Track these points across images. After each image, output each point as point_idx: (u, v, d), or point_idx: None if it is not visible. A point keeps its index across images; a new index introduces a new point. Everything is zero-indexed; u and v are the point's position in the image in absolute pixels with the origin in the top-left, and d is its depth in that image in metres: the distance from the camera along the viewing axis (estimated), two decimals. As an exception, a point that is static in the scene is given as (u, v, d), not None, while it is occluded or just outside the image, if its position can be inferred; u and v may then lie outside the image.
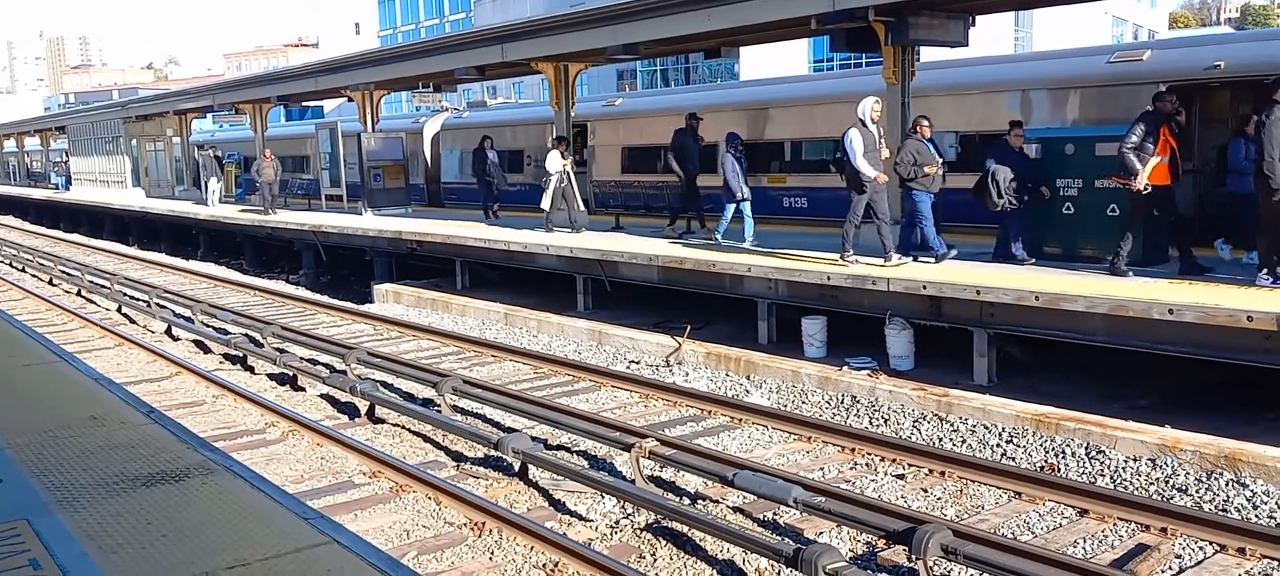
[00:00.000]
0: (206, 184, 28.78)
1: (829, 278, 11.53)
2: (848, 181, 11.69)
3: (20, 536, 4.53)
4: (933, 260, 11.55)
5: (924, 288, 10.63)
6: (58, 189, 43.65)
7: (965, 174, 13.88)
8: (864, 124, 11.48)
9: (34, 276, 24.16)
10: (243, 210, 26.21)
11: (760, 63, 40.62)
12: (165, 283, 21.59)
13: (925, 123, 11.78)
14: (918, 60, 13.70)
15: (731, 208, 14.17)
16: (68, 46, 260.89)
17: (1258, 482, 7.62)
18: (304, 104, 33.91)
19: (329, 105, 45.77)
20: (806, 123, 18.39)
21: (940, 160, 11.80)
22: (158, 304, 17.62)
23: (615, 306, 15.34)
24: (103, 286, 20.28)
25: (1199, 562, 6.49)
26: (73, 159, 45.64)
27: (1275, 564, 6.34)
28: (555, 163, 16.92)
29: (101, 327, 16.01)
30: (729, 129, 19.47)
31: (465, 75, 20.81)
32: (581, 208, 17.52)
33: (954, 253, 11.63)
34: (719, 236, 14.27)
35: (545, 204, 17.09)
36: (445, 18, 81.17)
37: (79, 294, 20.71)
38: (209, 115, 36.00)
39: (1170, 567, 6.49)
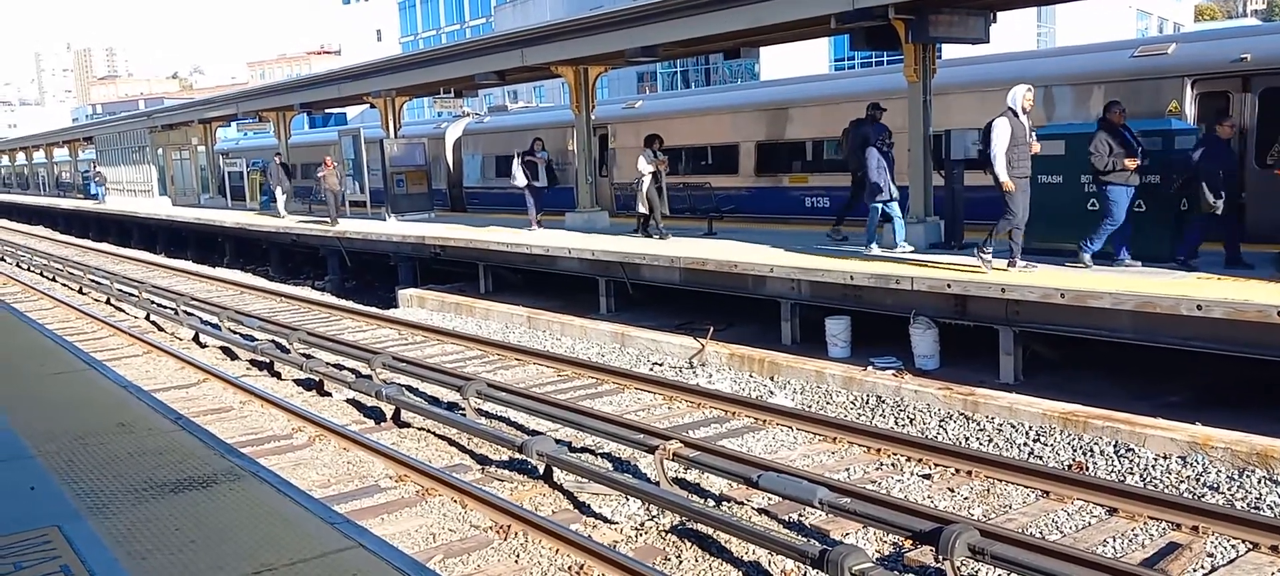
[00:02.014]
0: (274, 193, 27.42)
1: (852, 277, 11.47)
2: (995, 178, 10.58)
3: (51, 543, 4.59)
4: (1120, 267, 10.37)
5: (949, 286, 10.57)
6: (98, 199, 43.30)
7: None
8: (1015, 114, 10.38)
9: (64, 285, 24.45)
10: (302, 220, 25.65)
11: (781, 63, 40.51)
12: (192, 290, 21.79)
13: (1119, 109, 10.53)
14: (939, 57, 13.61)
15: (877, 209, 12.80)
16: (95, 57, 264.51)
17: (1291, 479, 7.51)
18: (327, 111, 34.08)
19: (351, 112, 46.06)
20: (828, 122, 18.31)
21: (1139, 148, 10.42)
22: (185, 311, 17.79)
23: (638, 308, 15.34)
24: (131, 294, 20.50)
25: (1231, 561, 6.41)
26: (100, 169, 46.16)
27: (1309, 562, 6.25)
28: (647, 163, 15.99)
29: (130, 335, 16.18)
30: (750, 128, 19.57)
31: (486, 80, 20.89)
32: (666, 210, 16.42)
33: (1139, 264, 10.45)
34: (874, 245, 12.77)
35: (641, 208, 16.21)
36: (466, 23, 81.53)
37: (108, 302, 20.95)
38: (233, 123, 36.33)
39: (1202, 566, 6.41)
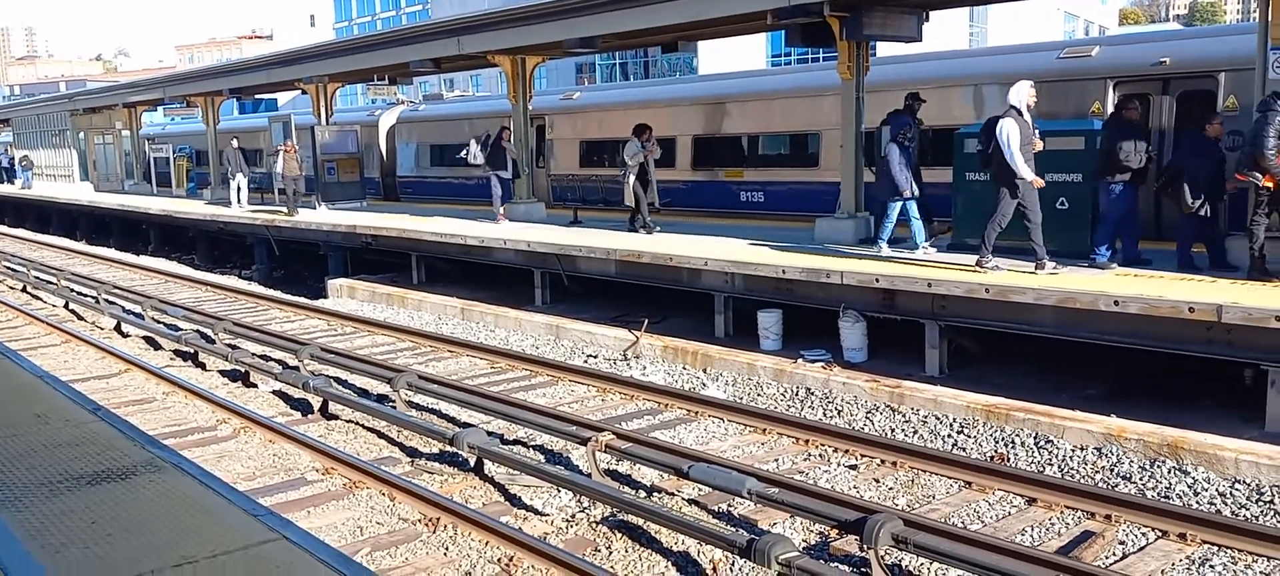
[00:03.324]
0: (232, 182, 24.93)
1: (784, 271, 11.61)
2: (995, 178, 10.32)
3: (-41, 537, 4.44)
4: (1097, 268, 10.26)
5: (877, 280, 10.75)
6: (25, 185, 41.30)
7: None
8: (1019, 112, 10.07)
9: (-23, 272, 23.60)
10: (255, 210, 24.28)
11: (719, 57, 40.78)
12: (114, 278, 21.19)
13: (1135, 107, 10.47)
14: (873, 55, 13.82)
15: (896, 208, 12.13)
16: (13, 38, 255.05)
17: (1198, 470, 7.81)
18: (257, 97, 33.37)
19: (283, 98, 45.19)
20: (764, 117, 18.49)
21: (1148, 147, 10.31)
22: (107, 299, 17.29)
23: (573, 300, 15.32)
24: (49, 282, 19.87)
25: (1142, 548, 6.65)
26: (17, 152, 44.62)
27: (1214, 548, 6.51)
28: (636, 152, 15.16)
29: (47, 324, 15.69)
30: (687, 121, 19.66)
31: (421, 68, 20.65)
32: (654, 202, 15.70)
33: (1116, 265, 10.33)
34: (883, 244, 12.16)
35: (628, 200, 15.60)
36: (402, 10, 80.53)
37: (24, 290, 20.27)
38: (159, 108, 35.41)
39: (1114, 553, 6.63)
